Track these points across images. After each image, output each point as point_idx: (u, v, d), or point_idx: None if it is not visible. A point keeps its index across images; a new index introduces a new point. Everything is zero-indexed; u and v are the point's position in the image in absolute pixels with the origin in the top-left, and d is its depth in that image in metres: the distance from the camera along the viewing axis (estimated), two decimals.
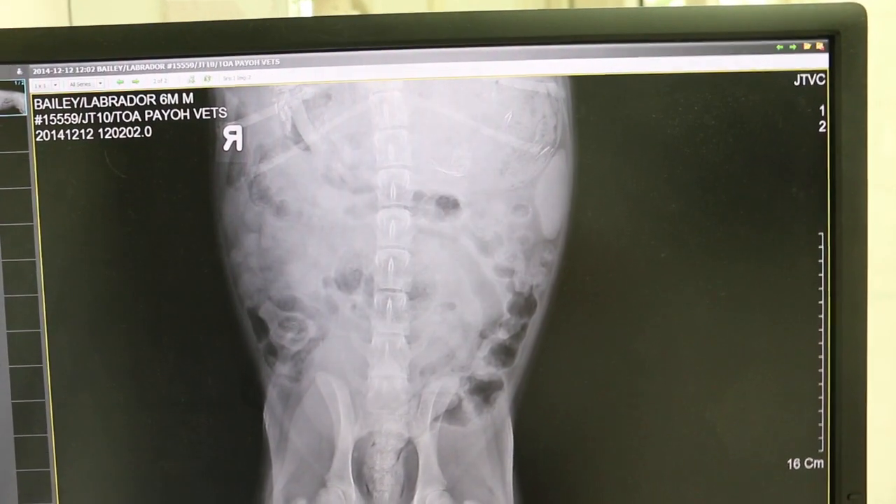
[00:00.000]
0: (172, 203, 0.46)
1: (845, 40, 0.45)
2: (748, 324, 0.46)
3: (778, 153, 0.45)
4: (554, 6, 1.27)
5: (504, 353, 0.46)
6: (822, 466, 0.46)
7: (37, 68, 0.46)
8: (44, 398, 0.47)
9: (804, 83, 0.45)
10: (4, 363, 0.47)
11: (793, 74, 0.45)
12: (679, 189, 0.45)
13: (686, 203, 0.45)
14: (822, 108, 0.45)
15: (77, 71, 0.46)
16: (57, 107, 0.46)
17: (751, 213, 0.45)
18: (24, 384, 0.47)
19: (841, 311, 0.45)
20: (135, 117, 0.46)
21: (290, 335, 0.46)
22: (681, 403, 0.46)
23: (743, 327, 0.46)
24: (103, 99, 0.46)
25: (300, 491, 0.47)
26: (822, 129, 0.45)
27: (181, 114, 0.46)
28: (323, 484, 0.47)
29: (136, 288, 0.46)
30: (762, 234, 0.45)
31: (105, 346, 0.47)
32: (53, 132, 0.46)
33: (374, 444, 0.46)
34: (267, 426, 0.46)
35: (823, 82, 0.45)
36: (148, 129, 0.46)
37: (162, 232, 0.46)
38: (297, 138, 0.45)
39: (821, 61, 0.45)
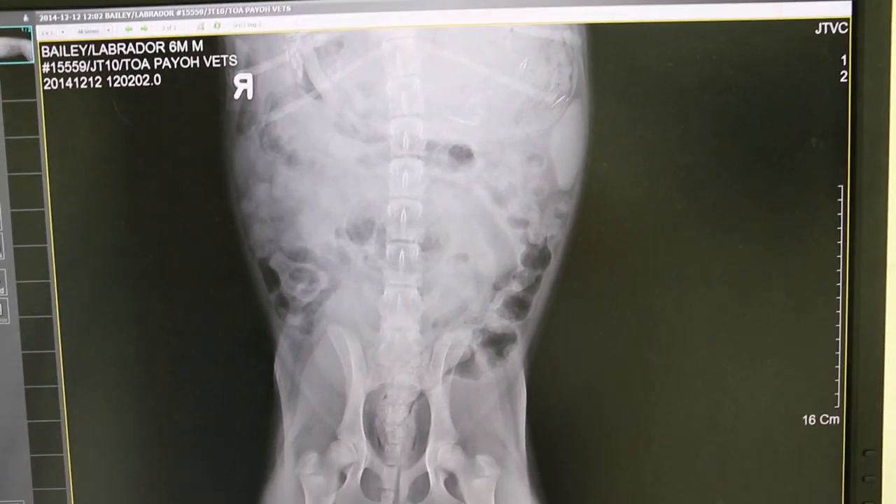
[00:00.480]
0: (182, 152, 0.46)
1: None
2: (765, 278, 0.45)
3: (798, 104, 0.44)
4: None
5: (517, 306, 0.45)
6: (838, 423, 0.46)
7: (43, 15, 0.46)
8: (54, 349, 0.47)
9: (826, 31, 0.44)
10: (15, 314, 0.47)
11: (814, 23, 0.44)
12: (696, 140, 0.44)
13: (703, 154, 0.45)
14: (844, 57, 0.44)
15: (85, 18, 0.46)
16: (64, 54, 0.46)
17: (769, 165, 0.45)
18: (34, 335, 0.47)
19: (859, 266, 0.45)
20: (144, 65, 0.45)
21: (301, 286, 0.46)
22: (696, 359, 0.46)
23: (760, 282, 0.45)
24: (111, 46, 0.45)
25: (311, 443, 0.47)
26: (843, 80, 0.44)
27: (191, 61, 0.45)
28: (334, 437, 0.47)
29: (146, 238, 0.46)
30: (780, 187, 0.45)
31: (114, 297, 0.46)
32: (61, 80, 0.46)
33: (385, 397, 0.46)
34: (278, 378, 0.46)
35: (846, 31, 0.44)
36: (157, 77, 0.45)
37: (171, 182, 0.46)
38: (309, 86, 0.45)
39: (843, 9, 0.44)
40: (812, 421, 0.46)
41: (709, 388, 0.46)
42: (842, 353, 0.45)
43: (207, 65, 0.45)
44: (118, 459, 0.47)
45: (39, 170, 0.46)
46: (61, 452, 0.47)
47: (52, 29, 0.46)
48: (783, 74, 0.44)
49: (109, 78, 0.46)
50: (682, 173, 0.45)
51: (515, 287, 0.45)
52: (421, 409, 0.46)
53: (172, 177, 0.46)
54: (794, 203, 0.45)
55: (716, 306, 0.45)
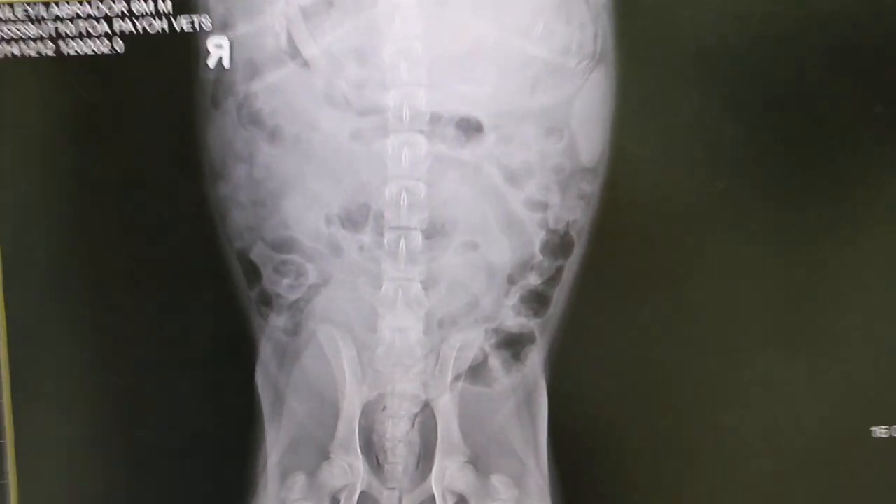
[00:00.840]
0: (147, 130, 0.42)
1: None
2: (826, 267, 0.41)
3: (858, 66, 0.40)
4: None
5: (536, 301, 0.42)
6: None
7: None
8: None
9: None
10: None
11: None
12: (740, 109, 0.41)
13: (751, 125, 0.41)
14: None
15: None
16: (10, 16, 0.42)
17: (827, 136, 0.40)
18: None
19: None
20: (103, 29, 0.42)
21: (286, 281, 0.43)
22: (746, 362, 0.42)
23: (820, 271, 0.41)
24: (65, 7, 0.42)
25: (299, 464, 0.43)
26: None
27: (157, 24, 0.41)
28: (325, 455, 0.43)
29: (107, 227, 0.43)
30: (840, 161, 0.41)
31: (70, 295, 0.43)
32: (7, 46, 0.42)
33: (384, 409, 0.43)
34: (259, 388, 0.43)
35: None
36: (118, 43, 0.42)
37: (136, 162, 0.42)
38: (294, 52, 0.42)
39: None
40: (883, 433, 0.42)
41: (761, 395, 0.42)
42: None
43: (177, 28, 0.41)
44: (72, 484, 0.44)
45: None
46: (4, 479, 0.44)
47: None
48: (842, 33, 0.40)
49: (62, 44, 0.42)
50: (726, 147, 0.41)
51: (533, 279, 0.42)
52: (426, 422, 0.43)
53: (136, 158, 0.42)
54: (861, 180, 0.41)
55: (768, 301, 0.41)
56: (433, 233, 0.42)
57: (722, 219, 0.41)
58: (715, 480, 0.42)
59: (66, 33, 0.42)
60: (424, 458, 0.43)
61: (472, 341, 0.43)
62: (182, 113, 0.42)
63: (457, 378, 0.43)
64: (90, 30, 0.41)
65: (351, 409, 0.43)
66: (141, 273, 0.43)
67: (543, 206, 0.42)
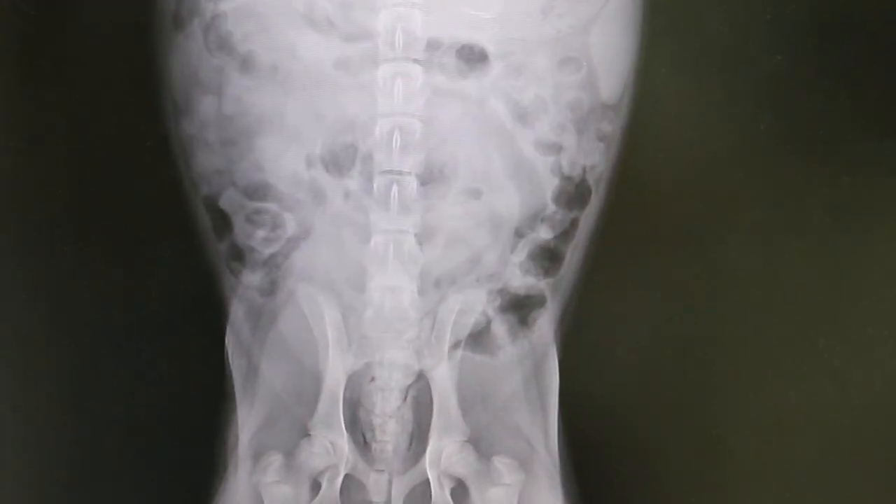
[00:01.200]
0: (99, 56, 0.41)
1: None
2: (880, 224, 0.40)
3: None
4: None
5: (547, 258, 0.40)
6: None
7: None
8: None
9: None
10: None
11: None
12: (787, 33, 0.39)
13: (798, 55, 0.40)
14: None
15: None
16: None
17: (887, 69, 0.39)
18: None
19: None
20: None
21: (260, 233, 0.40)
22: (786, 332, 0.41)
23: (873, 229, 0.41)
24: None
25: (274, 442, 0.41)
26: None
27: None
28: (305, 433, 0.41)
29: (50, 171, 0.42)
30: None
31: (12, 249, 0.42)
32: None
33: (373, 380, 0.41)
34: (230, 356, 0.41)
35: None
36: None
37: (85, 94, 0.41)
38: None
39: None
40: None
41: (804, 371, 0.41)
42: None
43: None
44: (10, 469, 0.42)
45: None
46: None
47: None
48: None
49: None
50: (769, 81, 0.40)
51: (544, 233, 0.40)
52: (420, 396, 0.41)
53: (86, 89, 0.41)
54: None
55: (813, 262, 0.41)
56: (430, 178, 0.40)
57: (764, 166, 0.40)
58: (748, 466, 0.41)
59: None
60: (418, 436, 0.41)
61: (473, 303, 0.41)
62: (138, 37, 0.40)
63: (455, 345, 0.41)
64: None
65: (334, 381, 0.41)
66: (90, 224, 0.42)
67: (557, 149, 0.40)
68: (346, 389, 0.41)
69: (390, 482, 0.41)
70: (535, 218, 0.40)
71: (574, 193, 0.40)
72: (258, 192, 0.41)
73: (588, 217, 0.41)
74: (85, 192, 0.42)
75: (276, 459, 0.42)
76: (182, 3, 0.40)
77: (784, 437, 0.41)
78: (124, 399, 0.42)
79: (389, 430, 0.41)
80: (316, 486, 0.41)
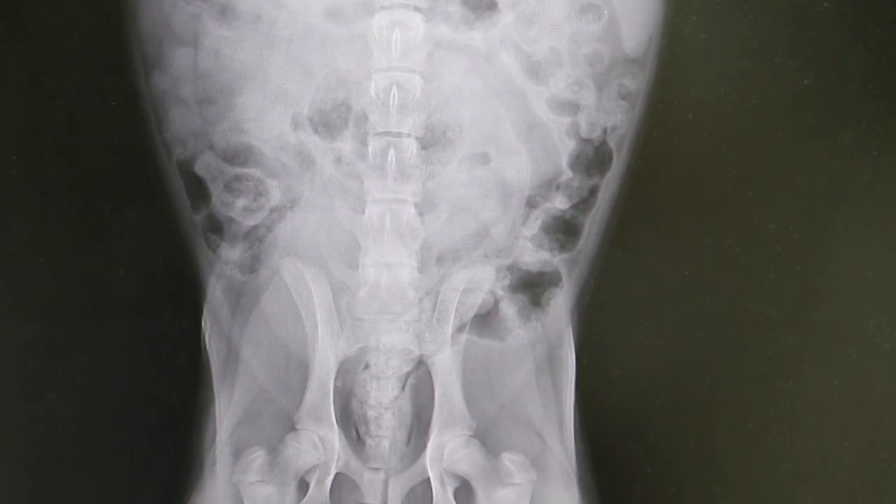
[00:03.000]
0: (59, 2, 0.39)
1: None
2: None
3: None
4: None
5: (563, 231, 0.39)
6: None
7: None
8: None
9: None
10: None
11: None
12: None
13: (840, 1, 0.37)
14: None
15: None
16: None
17: None
18: None
19: None
20: None
21: (241, 202, 0.39)
22: (832, 313, 0.39)
23: None
24: None
25: (257, 436, 0.39)
26: None
27: None
28: (291, 426, 0.40)
29: (9, 134, 0.39)
30: None
31: None
32: None
33: (367, 367, 0.39)
34: (207, 341, 0.40)
35: None
36: None
37: (46, 49, 0.39)
38: None
39: None
40: None
41: (851, 357, 0.39)
42: None
43: None
44: None
45: None
46: None
47: None
48: None
49: None
50: (813, 29, 0.37)
51: (560, 203, 0.39)
52: (420, 385, 0.39)
53: (46, 42, 0.39)
54: None
55: (861, 235, 0.39)
56: (432, 141, 0.39)
57: (807, 126, 0.38)
58: (790, 463, 0.38)
59: None
60: (417, 430, 0.40)
61: (479, 282, 0.40)
62: None
63: (460, 329, 0.40)
64: None
65: (324, 368, 0.40)
66: (50, 193, 0.40)
67: (574, 108, 0.39)
68: (337, 378, 0.40)
69: (386, 482, 0.40)
70: (549, 186, 0.39)
71: (593, 158, 0.39)
72: (239, 156, 0.39)
73: (609, 184, 0.39)
74: (43, 157, 0.40)
75: (258, 456, 0.40)
76: None
77: (828, 434, 0.38)
78: (89, 389, 0.41)
79: (385, 423, 0.40)
80: (303, 487, 0.40)
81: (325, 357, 0.40)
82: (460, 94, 0.39)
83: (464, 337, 0.40)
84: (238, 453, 0.41)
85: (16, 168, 0.40)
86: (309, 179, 0.40)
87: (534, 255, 0.39)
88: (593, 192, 0.39)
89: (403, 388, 0.40)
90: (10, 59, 0.40)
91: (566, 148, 0.39)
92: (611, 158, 0.39)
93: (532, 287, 0.40)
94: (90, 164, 0.40)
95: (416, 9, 0.38)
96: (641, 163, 0.39)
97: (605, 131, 0.39)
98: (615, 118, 0.39)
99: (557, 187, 0.39)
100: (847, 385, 0.38)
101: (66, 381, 0.41)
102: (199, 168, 0.40)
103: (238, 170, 0.39)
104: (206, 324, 0.41)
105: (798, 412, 0.38)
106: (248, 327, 0.40)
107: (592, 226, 0.40)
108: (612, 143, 0.39)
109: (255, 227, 0.40)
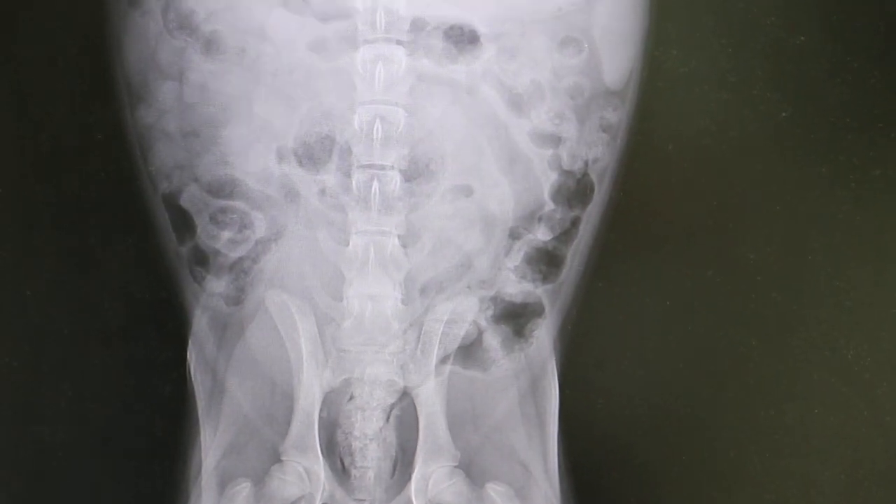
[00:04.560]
0: (47, 36, 0.40)
1: None
2: None
3: None
4: None
5: (546, 262, 0.39)
6: None
7: None
8: None
9: None
10: None
11: None
12: (812, 9, 0.38)
13: (824, 32, 0.38)
14: None
15: None
16: None
17: None
18: None
19: None
20: None
21: (227, 234, 0.39)
22: (812, 342, 0.39)
23: None
24: None
25: (242, 468, 0.40)
26: None
27: None
28: (276, 458, 0.40)
29: None
30: None
31: None
32: None
33: (351, 398, 0.40)
34: (192, 372, 0.40)
35: None
36: None
37: (31, 81, 0.40)
38: None
39: None
40: None
41: (831, 386, 0.39)
42: None
43: None
44: None
45: None
46: None
47: None
48: None
49: None
50: (791, 64, 0.38)
51: (542, 234, 0.39)
52: (404, 416, 0.40)
53: (32, 75, 0.40)
54: None
55: (840, 264, 0.39)
56: (415, 173, 0.39)
57: (786, 158, 0.39)
58: (774, 495, 0.38)
59: None
60: (402, 461, 0.40)
61: (463, 313, 0.40)
62: (89, 14, 0.39)
63: (444, 360, 0.40)
64: None
65: (309, 399, 0.40)
66: (40, 224, 0.40)
67: (556, 141, 0.39)
68: (322, 409, 0.40)
69: None
70: (531, 217, 0.40)
71: (575, 190, 0.39)
72: (224, 188, 0.40)
73: (591, 216, 0.40)
74: (30, 190, 0.41)
75: (244, 488, 0.40)
76: None
77: (809, 462, 0.39)
78: (73, 420, 0.41)
79: (370, 454, 0.40)
80: None
81: (310, 388, 0.40)
82: (443, 126, 0.40)
83: (448, 368, 0.41)
84: (223, 484, 0.41)
85: (2, 199, 0.41)
86: (293, 212, 0.40)
87: (517, 286, 0.40)
88: (575, 223, 0.39)
89: (388, 419, 0.40)
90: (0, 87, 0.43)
91: (548, 180, 0.39)
92: (592, 190, 0.39)
93: (515, 318, 0.40)
94: (77, 197, 0.40)
95: (399, 42, 0.38)
96: (623, 194, 0.40)
97: (586, 163, 0.39)
98: (596, 150, 0.39)
99: (540, 219, 0.39)
100: (828, 414, 0.38)
101: (51, 411, 0.41)
102: (185, 201, 0.40)
103: (223, 202, 0.40)
104: (192, 355, 0.41)
105: (779, 441, 0.38)
106: (233, 359, 0.41)
107: (575, 257, 0.40)
108: (593, 175, 0.39)
109: (240, 259, 0.40)
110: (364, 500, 0.40)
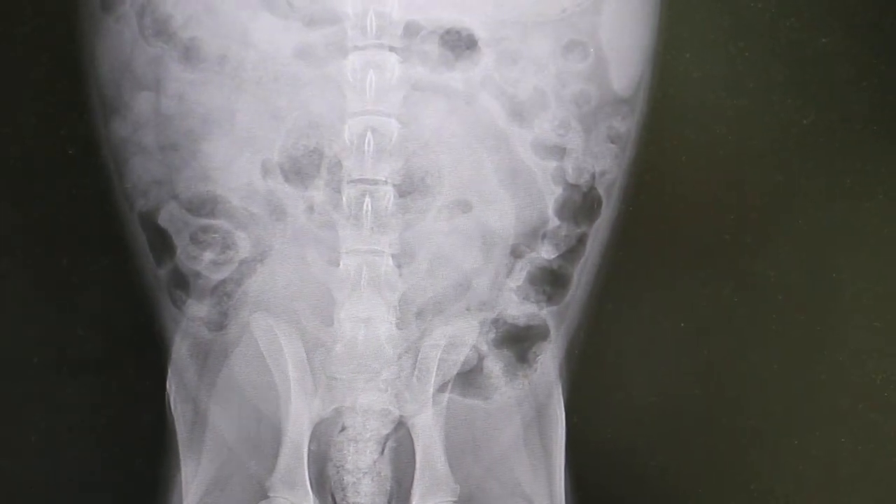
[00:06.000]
0: (15, 42, 0.39)
1: None
2: None
3: None
4: None
5: (550, 282, 0.38)
6: None
7: None
8: None
9: None
10: None
11: None
12: (836, 10, 0.37)
13: (849, 34, 0.37)
14: None
15: None
16: None
17: None
18: None
19: None
20: None
21: (208, 255, 0.38)
22: (837, 364, 0.38)
23: None
24: None
25: None
26: None
27: None
28: (263, 494, 0.38)
29: None
30: None
31: None
32: None
33: (343, 430, 0.38)
34: (172, 402, 0.39)
35: None
36: None
37: (1, 93, 0.38)
38: None
39: None
40: None
41: (858, 411, 0.38)
42: None
43: None
44: None
45: None
46: None
47: None
48: None
49: None
50: (813, 67, 0.37)
51: (546, 252, 0.38)
52: (400, 448, 0.38)
53: (0, 85, 0.39)
54: None
55: (866, 280, 0.38)
56: (410, 188, 0.38)
57: (808, 168, 0.38)
58: None
59: None
60: (398, 497, 0.39)
61: (462, 337, 0.39)
62: (61, 22, 0.38)
63: (442, 388, 0.39)
64: None
65: (298, 431, 0.39)
66: (7, 245, 0.39)
67: (560, 152, 0.38)
68: (311, 441, 0.39)
69: None
70: (534, 235, 0.39)
71: (581, 205, 0.38)
72: (205, 206, 0.39)
73: (598, 232, 0.39)
74: (2, 206, 0.40)
75: None
76: None
77: (837, 495, 0.38)
78: (44, 456, 0.40)
79: (364, 489, 0.38)
80: None
81: (299, 419, 0.39)
82: (439, 138, 0.39)
83: (446, 396, 0.39)
84: None
85: None
86: (280, 230, 0.39)
87: (519, 308, 0.39)
88: (581, 240, 0.39)
89: (382, 451, 0.39)
90: None
91: (552, 194, 0.38)
92: (600, 205, 0.39)
93: (518, 342, 0.39)
94: (48, 215, 0.40)
95: (392, 49, 0.37)
96: (633, 209, 0.39)
97: (593, 176, 0.38)
98: (604, 162, 0.38)
99: (543, 236, 0.38)
100: (856, 443, 0.38)
101: (20, 442, 0.40)
102: (163, 219, 0.39)
103: (204, 221, 0.39)
104: (171, 385, 0.40)
105: (804, 473, 0.38)
106: (216, 388, 0.40)
107: (581, 276, 0.39)
108: (600, 189, 0.39)
109: (223, 282, 0.39)
110: None
